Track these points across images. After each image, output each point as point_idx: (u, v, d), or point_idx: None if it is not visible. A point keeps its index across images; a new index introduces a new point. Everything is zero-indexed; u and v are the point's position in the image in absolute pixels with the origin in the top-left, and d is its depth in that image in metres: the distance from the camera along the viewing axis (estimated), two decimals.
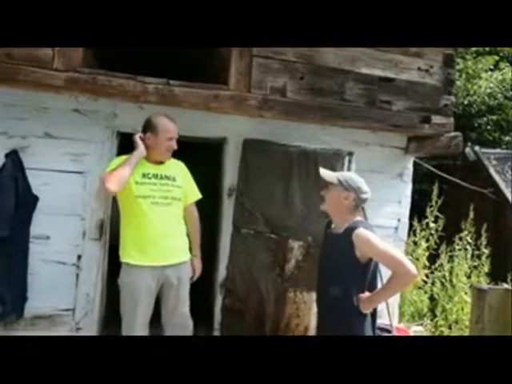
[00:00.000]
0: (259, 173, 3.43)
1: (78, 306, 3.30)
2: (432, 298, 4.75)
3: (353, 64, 3.54)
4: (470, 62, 8.34)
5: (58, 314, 3.27)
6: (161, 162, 2.72)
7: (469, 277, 4.71)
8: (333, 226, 2.42)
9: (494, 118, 7.92)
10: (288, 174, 3.36)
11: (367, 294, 2.24)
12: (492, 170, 6.38)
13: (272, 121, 3.49)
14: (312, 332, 3.15)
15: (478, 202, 5.74)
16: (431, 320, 4.58)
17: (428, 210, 4.85)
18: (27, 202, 3.18)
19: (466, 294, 4.55)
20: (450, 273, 4.76)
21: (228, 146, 3.59)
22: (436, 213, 4.82)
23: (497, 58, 8.53)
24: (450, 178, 6.12)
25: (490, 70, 8.46)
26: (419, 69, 3.72)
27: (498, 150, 7.04)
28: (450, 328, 4.50)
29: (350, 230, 2.22)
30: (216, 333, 3.53)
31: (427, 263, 4.76)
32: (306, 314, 3.22)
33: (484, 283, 4.48)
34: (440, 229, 4.80)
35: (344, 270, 2.24)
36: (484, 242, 4.87)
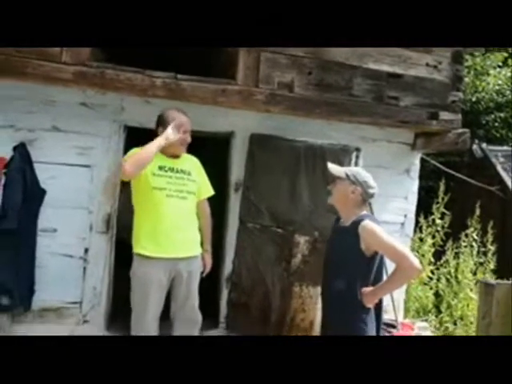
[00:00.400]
0: (266, 167, 3.43)
1: (85, 299, 3.33)
2: (437, 294, 4.74)
3: (361, 59, 3.52)
4: (479, 58, 8.28)
5: (65, 307, 3.30)
6: (177, 156, 2.74)
7: (474, 273, 4.70)
8: (340, 220, 2.42)
9: (502, 115, 7.86)
10: (295, 168, 3.36)
11: (370, 287, 2.25)
12: (499, 168, 6.35)
13: (279, 116, 3.49)
14: (317, 326, 3.15)
15: (485, 199, 5.72)
16: (436, 316, 4.57)
17: (434, 206, 4.83)
18: (35, 195, 3.20)
19: (471, 290, 4.54)
20: (456, 269, 4.75)
21: (235, 141, 3.59)
22: (442, 209, 4.80)
23: (506, 54, 8.46)
24: (457, 174, 6.10)
25: (499, 66, 8.40)
26: (427, 65, 3.70)
27: (505, 148, 6.99)
28: (455, 324, 4.49)
29: (357, 223, 2.24)
30: (221, 326, 3.54)
31: (433, 259, 4.74)
32: (312, 309, 3.23)
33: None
34: (446, 225, 4.78)
35: (349, 263, 2.25)
36: (490, 239, 4.85)
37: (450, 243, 4.84)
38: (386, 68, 3.59)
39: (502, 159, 6.46)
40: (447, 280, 4.76)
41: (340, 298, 2.27)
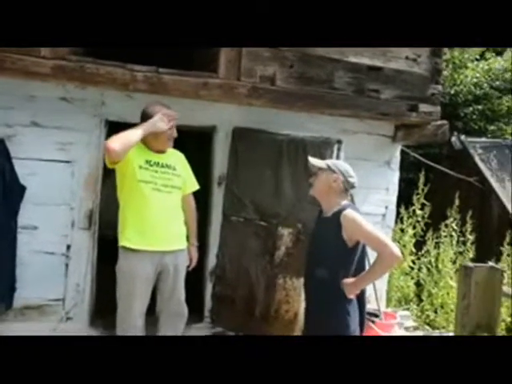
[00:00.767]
0: (249, 161, 3.44)
1: (68, 296, 3.30)
2: (418, 284, 4.85)
3: (341, 53, 3.55)
4: (457, 52, 8.41)
5: (48, 305, 3.27)
6: (162, 151, 2.73)
7: (454, 262, 4.81)
8: (322, 212, 2.45)
9: (480, 107, 8.01)
10: (277, 161, 3.38)
11: (351, 279, 2.28)
12: (477, 159, 6.47)
13: (262, 109, 3.50)
14: (301, 318, 3.18)
15: (464, 189, 5.84)
16: (417, 305, 4.68)
17: (415, 197, 4.93)
18: (14, 191, 3.15)
19: (451, 279, 4.65)
20: (436, 259, 4.86)
21: (218, 135, 3.59)
22: (422, 200, 4.90)
23: (483, 48, 8.60)
24: (437, 166, 6.21)
25: (476, 59, 8.55)
26: (407, 58, 3.76)
27: (483, 139, 7.12)
28: (435, 312, 4.60)
29: (339, 213, 2.27)
30: (206, 320, 3.55)
31: (414, 249, 4.84)
32: (296, 300, 3.26)
33: None
34: (426, 216, 4.88)
35: (332, 253, 2.28)
36: (469, 229, 4.97)
37: (430, 233, 4.94)
38: (366, 61, 3.63)
39: (480, 151, 6.58)
40: (428, 269, 4.87)
41: (323, 289, 2.30)
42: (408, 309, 4.54)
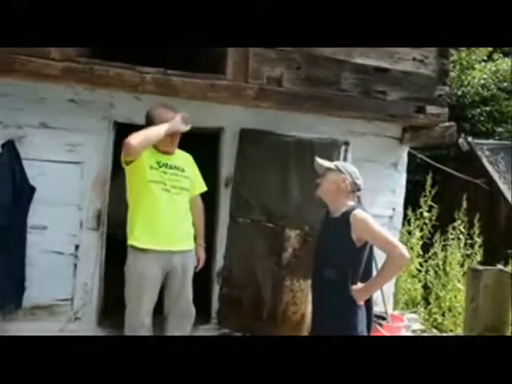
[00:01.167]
0: (256, 162, 3.45)
1: (77, 295, 3.32)
2: (426, 286, 4.82)
3: (348, 54, 3.56)
4: (464, 53, 8.36)
5: (57, 304, 3.29)
6: (170, 153, 2.75)
7: (462, 265, 4.78)
8: (330, 213, 2.45)
9: (488, 108, 7.96)
10: (285, 163, 3.38)
11: (360, 284, 2.28)
12: (485, 161, 6.44)
13: (269, 110, 3.51)
14: (309, 319, 3.18)
15: (471, 192, 5.81)
16: (425, 308, 4.65)
17: (422, 199, 4.91)
18: (24, 192, 3.18)
19: (459, 281, 4.62)
20: (444, 261, 4.83)
21: (225, 136, 3.60)
22: (430, 202, 4.88)
23: (490, 49, 8.56)
24: (444, 168, 6.18)
25: (484, 60, 8.50)
26: (414, 59, 3.75)
27: (490, 141, 7.09)
28: (443, 315, 4.58)
29: (348, 213, 2.28)
30: (213, 321, 3.56)
31: (421, 252, 4.82)
32: (303, 302, 3.26)
33: None
34: (434, 218, 4.85)
35: (340, 253, 2.28)
36: (477, 232, 4.94)
37: (437, 236, 4.92)
38: (372, 62, 3.63)
39: (487, 152, 6.55)
40: (435, 272, 4.84)
41: (331, 289, 2.30)
42: (415, 312, 4.52)
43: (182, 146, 2.89)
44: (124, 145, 2.53)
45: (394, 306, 4.22)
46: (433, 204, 4.88)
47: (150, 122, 2.68)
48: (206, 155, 3.85)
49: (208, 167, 3.74)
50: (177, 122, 2.66)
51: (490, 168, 6.36)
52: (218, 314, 3.56)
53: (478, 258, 4.86)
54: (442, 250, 4.88)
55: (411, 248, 4.66)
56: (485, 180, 6.27)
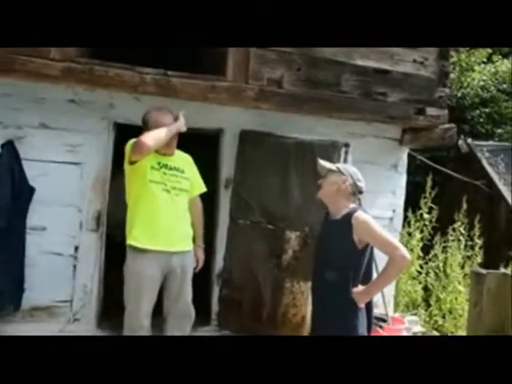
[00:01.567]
0: (256, 164, 3.44)
1: (76, 297, 3.31)
2: (426, 288, 4.81)
3: (348, 56, 3.55)
4: (464, 54, 8.37)
5: (56, 306, 3.28)
6: (169, 154, 2.75)
7: (462, 267, 4.78)
8: (330, 215, 2.44)
9: (487, 110, 7.96)
10: (285, 165, 3.37)
11: (361, 287, 2.27)
12: (485, 162, 6.43)
13: (269, 112, 3.50)
14: (309, 321, 3.17)
15: (471, 193, 5.80)
16: (425, 310, 4.64)
17: (422, 201, 4.90)
18: (23, 192, 3.17)
19: (459, 283, 4.61)
20: (444, 263, 4.82)
21: (225, 137, 3.59)
22: (430, 204, 4.87)
23: (490, 50, 8.57)
24: (444, 169, 6.18)
25: (483, 62, 8.50)
26: (414, 61, 3.75)
27: (490, 143, 7.09)
28: (443, 317, 4.57)
29: (349, 215, 2.27)
30: (213, 323, 3.55)
31: (421, 254, 4.81)
32: (303, 304, 3.25)
33: None
34: (434, 220, 4.85)
35: (341, 255, 2.27)
36: (477, 233, 4.94)
37: (437, 237, 4.91)
38: (373, 64, 3.63)
39: (487, 154, 6.55)
40: (436, 274, 4.83)
41: (332, 291, 2.29)
42: (416, 314, 4.50)
43: (182, 147, 2.89)
44: (136, 144, 2.54)
45: (394, 308, 4.21)
46: (433, 205, 4.88)
47: (145, 126, 2.69)
48: (207, 156, 3.84)
49: (208, 168, 3.74)
50: (182, 122, 2.71)
51: (489, 169, 6.36)
52: (217, 316, 3.55)
53: (479, 259, 4.86)
54: (443, 251, 4.87)
55: (411, 250, 4.65)
56: (485, 181, 6.26)
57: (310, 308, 3.15)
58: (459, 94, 8.00)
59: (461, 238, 4.90)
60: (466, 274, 4.64)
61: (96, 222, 3.33)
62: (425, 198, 4.89)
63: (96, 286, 3.36)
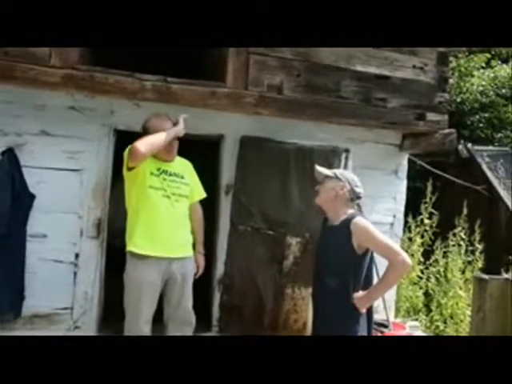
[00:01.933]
0: (256, 170, 3.44)
1: (76, 304, 3.30)
2: (427, 294, 4.81)
3: (348, 61, 3.56)
4: (463, 60, 8.41)
5: (56, 313, 3.26)
6: (169, 160, 2.75)
7: (463, 272, 4.77)
8: (328, 221, 2.44)
9: (487, 115, 7.99)
10: (285, 170, 3.38)
11: (362, 292, 2.26)
12: (485, 167, 6.44)
13: (269, 118, 3.50)
14: (310, 327, 3.16)
15: (472, 198, 5.80)
16: (426, 315, 4.63)
17: (422, 206, 4.90)
18: (24, 200, 3.17)
19: (460, 288, 4.61)
20: (445, 268, 4.82)
21: (225, 143, 3.60)
22: (430, 209, 4.87)
23: (489, 55, 8.61)
24: (444, 174, 6.18)
25: (482, 67, 8.54)
26: (414, 67, 3.76)
27: (490, 148, 7.10)
28: (445, 322, 4.55)
29: (348, 221, 2.27)
30: (214, 329, 3.53)
31: (422, 259, 4.81)
32: (304, 310, 3.24)
33: None
34: (434, 225, 4.85)
35: (341, 261, 2.27)
36: (477, 238, 4.94)
37: (438, 242, 4.91)
38: (373, 70, 3.63)
39: (487, 159, 6.56)
40: (436, 279, 4.83)
41: (332, 297, 2.29)
42: (417, 319, 4.49)
43: (182, 153, 2.89)
44: (131, 150, 2.54)
45: (395, 313, 4.20)
46: (433, 211, 4.88)
47: (145, 132, 2.69)
48: (207, 162, 3.85)
49: (209, 174, 3.74)
50: (181, 127, 2.70)
51: (489, 174, 6.36)
52: (218, 322, 3.54)
53: (479, 264, 4.86)
54: (443, 256, 4.87)
55: (412, 255, 4.65)
56: (485, 186, 6.27)
57: (311, 314, 3.15)
58: (458, 100, 8.03)
59: (461, 242, 4.91)
60: (466, 279, 4.64)
61: (96, 228, 3.32)
62: (425, 203, 4.90)
63: (97, 294, 3.35)
